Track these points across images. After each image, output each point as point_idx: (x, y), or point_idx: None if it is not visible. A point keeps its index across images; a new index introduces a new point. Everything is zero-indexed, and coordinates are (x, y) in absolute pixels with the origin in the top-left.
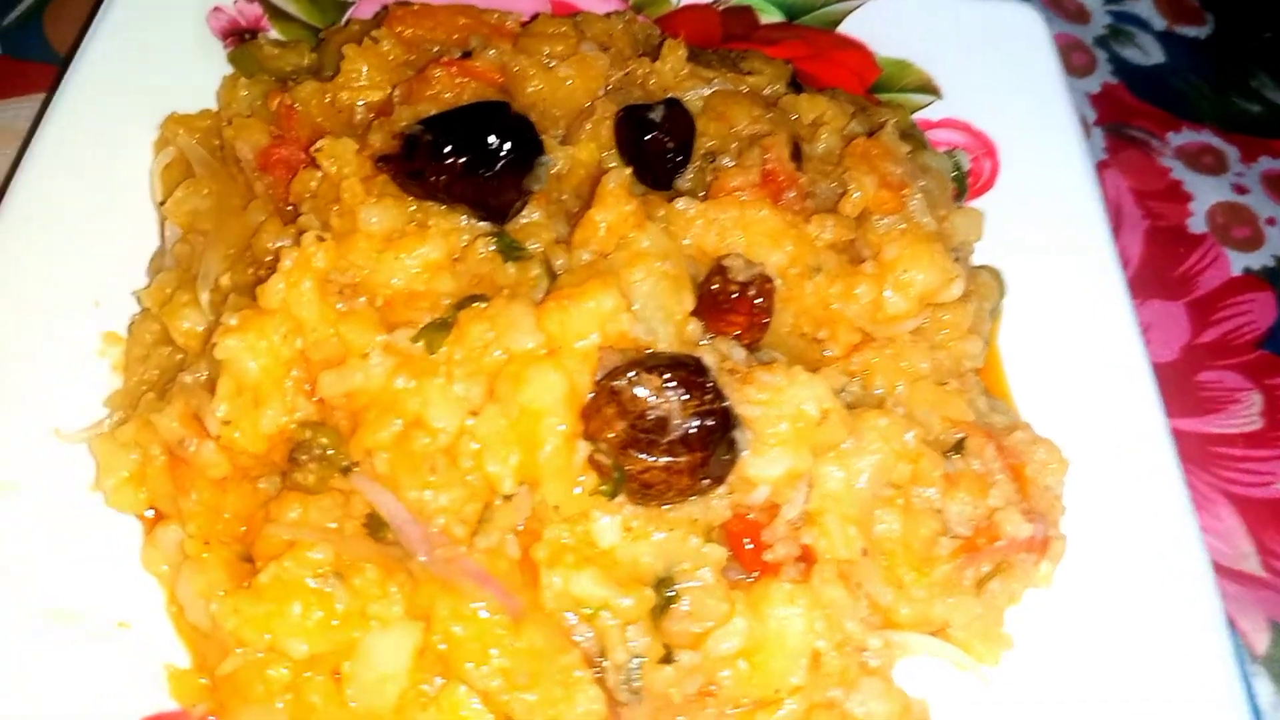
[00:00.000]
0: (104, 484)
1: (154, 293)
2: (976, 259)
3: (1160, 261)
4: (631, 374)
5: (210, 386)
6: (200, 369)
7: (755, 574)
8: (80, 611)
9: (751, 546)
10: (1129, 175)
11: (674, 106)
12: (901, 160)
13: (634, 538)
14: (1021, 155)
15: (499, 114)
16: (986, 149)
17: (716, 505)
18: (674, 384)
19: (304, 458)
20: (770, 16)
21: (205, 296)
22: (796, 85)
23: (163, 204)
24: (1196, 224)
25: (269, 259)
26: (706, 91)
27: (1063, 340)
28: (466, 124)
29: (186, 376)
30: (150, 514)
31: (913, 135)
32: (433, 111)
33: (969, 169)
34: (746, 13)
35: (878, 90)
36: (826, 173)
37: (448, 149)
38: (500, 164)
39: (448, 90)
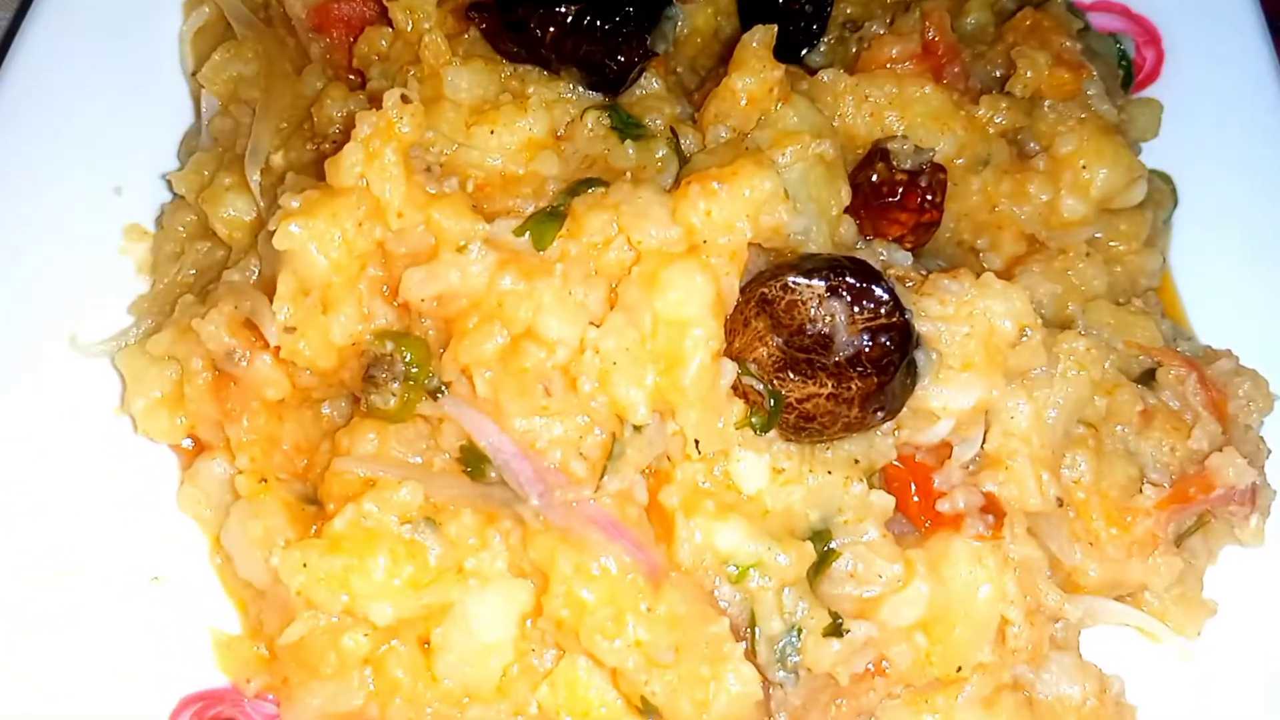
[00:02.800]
0: (132, 405)
1: (188, 176)
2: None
3: None
4: (789, 278)
5: (265, 286)
6: (250, 265)
7: (925, 526)
8: (103, 565)
9: (918, 498)
10: None
11: None
12: (1075, 35)
13: (784, 481)
14: (1190, 45)
15: None
16: (1149, 36)
17: (881, 444)
18: (840, 290)
19: (382, 376)
20: None
21: (255, 178)
22: None
23: (196, 73)
24: None
25: (334, 130)
26: None
27: (1242, 260)
28: None
29: (234, 274)
30: (188, 444)
31: (1073, 14)
32: None
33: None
34: None
35: None
36: (980, 53)
37: None
38: (624, 15)
39: None
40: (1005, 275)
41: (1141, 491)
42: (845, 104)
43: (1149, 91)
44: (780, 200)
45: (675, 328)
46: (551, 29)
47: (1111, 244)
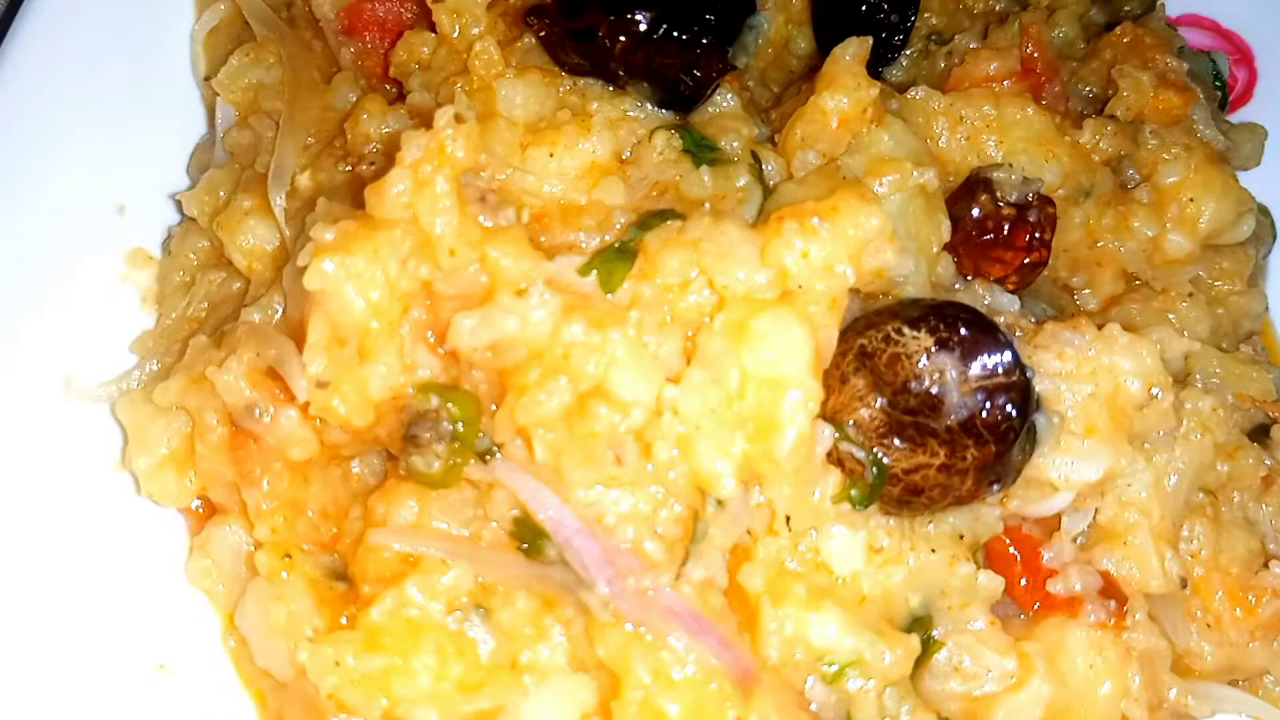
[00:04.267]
0: (135, 463)
1: (201, 196)
2: None
3: None
4: (891, 328)
5: (291, 328)
6: (273, 303)
7: (1033, 609)
8: (100, 651)
9: (1026, 576)
10: None
11: None
12: (1178, 54)
13: (883, 562)
14: None
15: None
16: (1241, 54)
17: (988, 515)
18: (951, 343)
19: (426, 435)
20: None
21: (280, 201)
22: None
23: (209, 79)
24: None
25: (371, 150)
26: None
27: None
28: None
29: (254, 313)
30: (197, 504)
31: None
32: None
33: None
34: None
35: None
36: (1071, 69)
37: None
38: (704, 24)
39: None
40: (1102, 315)
41: (1266, 567)
42: (938, 125)
43: (1242, 113)
44: (886, 240)
45: (768, 388)
46: (622, 39)
47: (1215, 283)
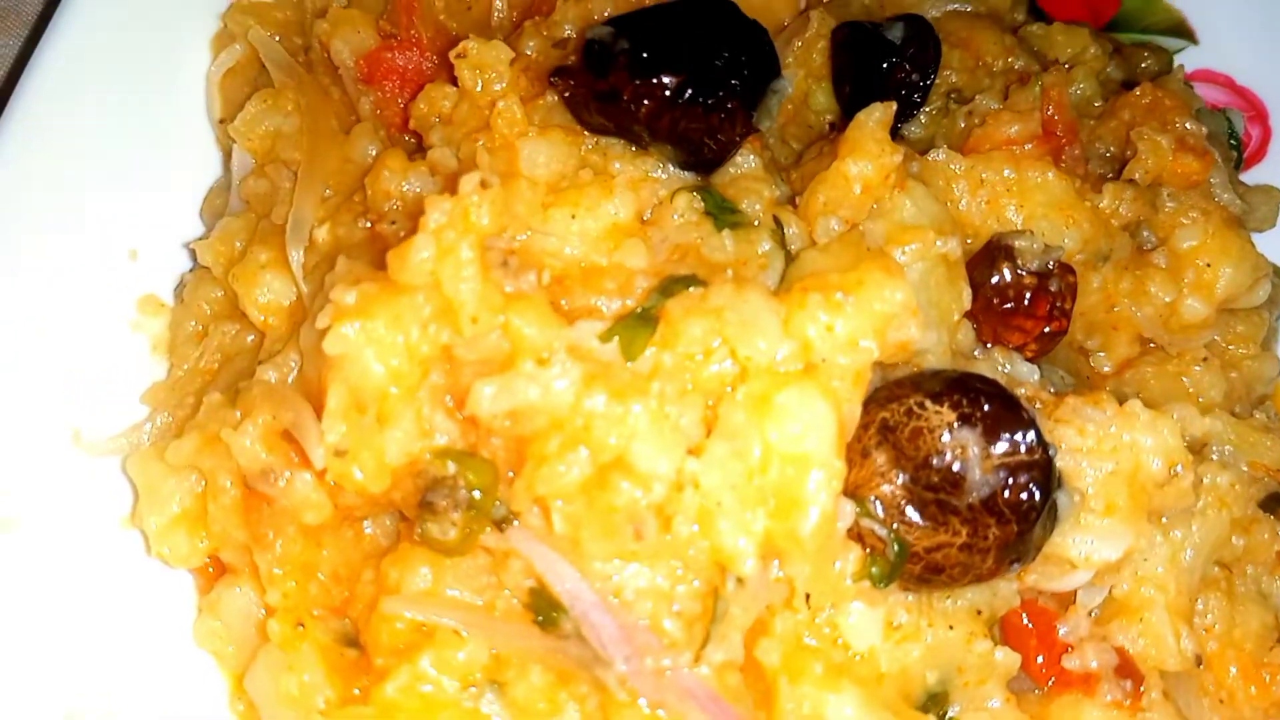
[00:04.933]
0: (146, 522)
1: (215, 245)
2: None
3: None
4: (913, 402)
5: (307, 388)
6: (289, 360)
7: (1048, 685)
8: (105, 707)
9: (1041, 652)
10: None
11: (917, 26)
12: (1196, 117)
13: (900, 639)
14: None
15: (726, 14)
16: (1256, 111)
17: (1005, 590)
18: (974, 419)
19: (442, 503)
20: None
21: (297, 256)
22: (1038, 11)
23: (224, 122)
24: None
25: (392, 207)
26: (934, 12)
27: None
28: (682, 29)
29: (269, 372)
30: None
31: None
32: (611, 11)
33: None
34: None
35: (1116, 28)
36: (1088, 127)
37: (659, 64)
38: (729, 89)
39: None
40: (1116, 379)
41: None
42: (958, 187)
43: (1256, 171)
44: (911, 314)
45: (791, 464)
46: (647, 102)
47: (1229, 347)
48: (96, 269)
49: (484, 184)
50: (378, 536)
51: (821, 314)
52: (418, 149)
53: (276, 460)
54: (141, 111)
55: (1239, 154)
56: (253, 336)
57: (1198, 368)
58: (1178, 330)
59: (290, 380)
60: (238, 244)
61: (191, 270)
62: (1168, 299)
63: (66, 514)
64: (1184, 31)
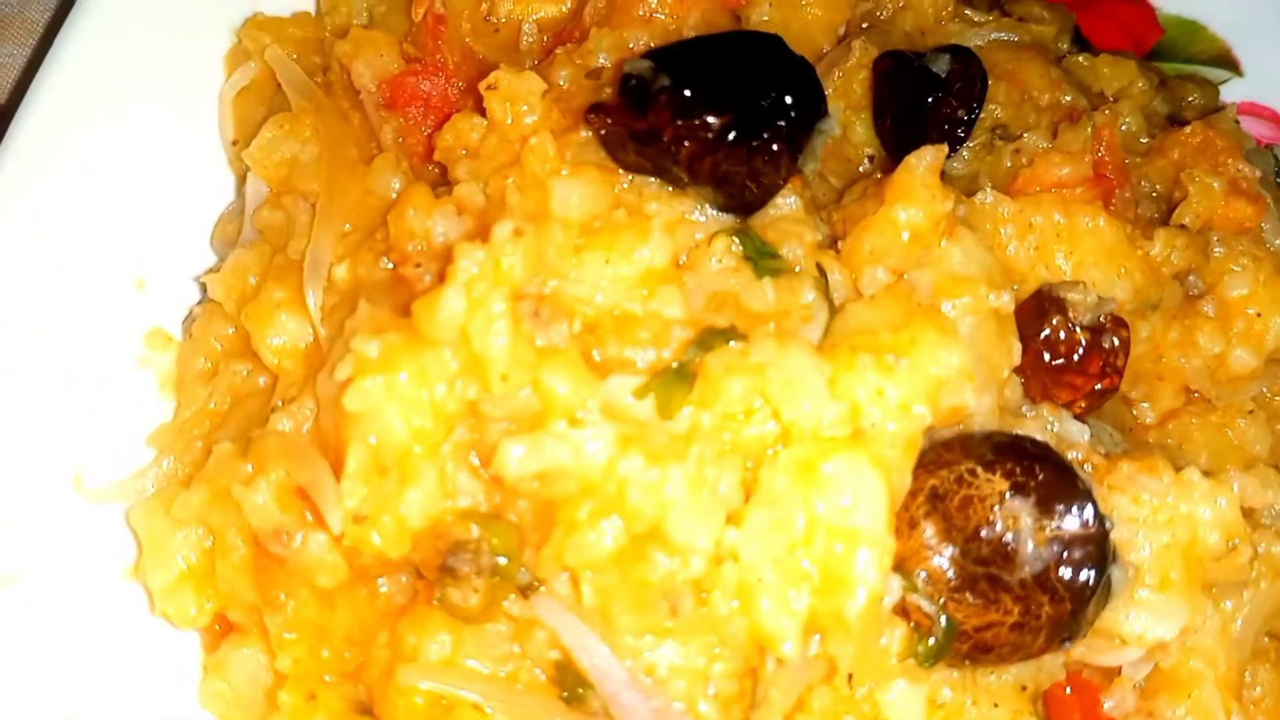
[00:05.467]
0: (150, 578)
1: (227, 279)
2: None
3: None
4: (965, 469)
5: (323, 439)
6: (305, 408)
7: None
8: None
9: None
10: None
11: (965, 59)
12: (1248, 159)
13: (944, 716)
14: None
15: (771, 49)
16: None
17: (1051, 663)
18: (1027, 489)
19: (465, 569)
20: None
21: (314, 297)
22: (1083, 40)
23: (238, 144)
24: None
25: (416, 248)
26: (978, 40)
27: None
28: (725, 65)
29: (283, 421)
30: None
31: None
32: (648, 40)
33: None
34: None
35: (1157, 57)
36: (1135, 165)
37: (702, 103)
38: (775, 130)
39: (664, 8)
40: (1159, 429)
41: None
42: (1006, 231)
43: None
44: (967, 379)
45: (839, 539)
46: (688, 144)
47: (1275, 399)
48: (101, 300)
49: (518, 232)
50: (393, 595)
51: (871, 376)
52: (442, 180)
53: (290, 520)
54: (150, 132)
55: None
56: (265, 378)
57: (1243, 421)
58: (1225, 382)
59: (305, 429)
60: (251, 279)
61: (201, 303)
62: (1216, 349)
63: (68, 566)
64: (1228, 62)
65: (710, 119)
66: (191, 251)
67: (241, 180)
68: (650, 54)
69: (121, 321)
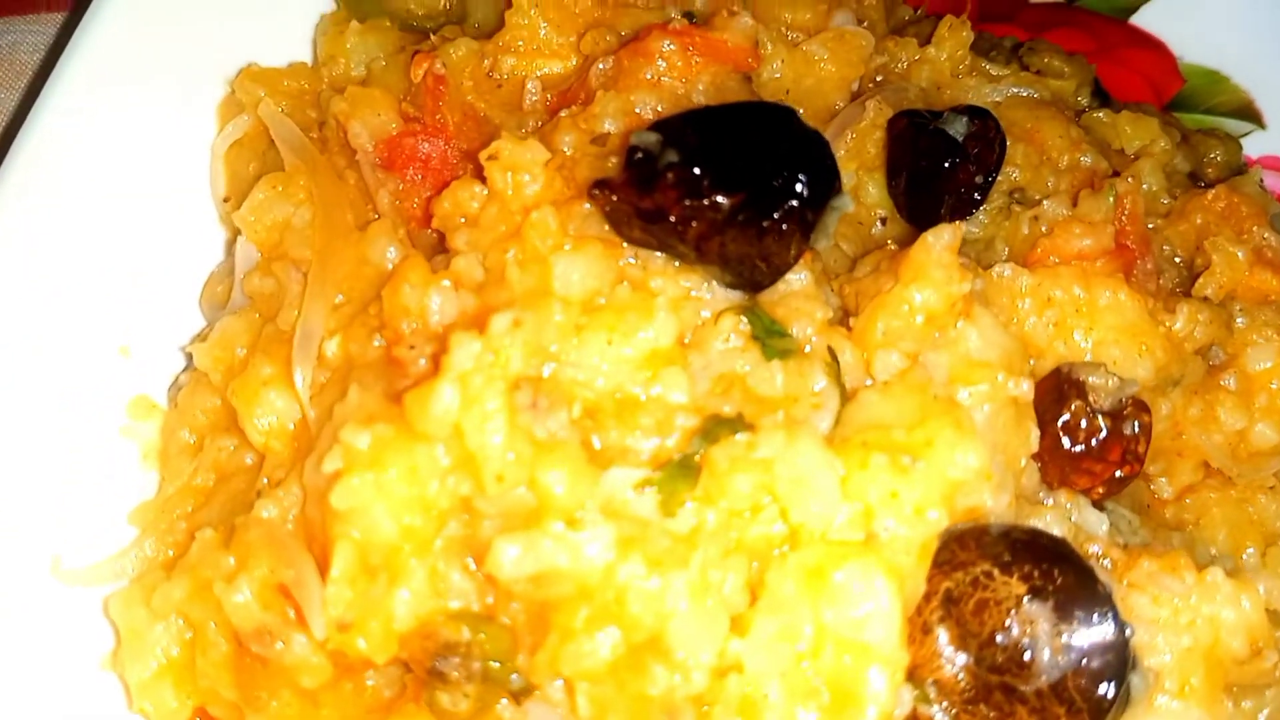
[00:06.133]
0: (128, 671)
1: (214, 350)
2: None
3: None
4: (980, 571)
5: (309, 532)
6: (290, 494)
7: None
8: None
9: None
10: None
11: (983, 120)
12: (1274, 225)
13: None
14: None
15: (783, 123)
16: None
17: None
18: (1045, 594)
19: (455, 673)
20: None
21: (302, 374)
22: (1103, 93)
23: (228, 199)
24: None
25: (410, 328)
26: (996, 96)
27: None
28: (735, 140)
29: (269, 509)
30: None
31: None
32: (656, 105)
33: None
34: None
35: (1178, 107)
36: (1157, 227)
37: (711, 182)
38: (788, 210)
39: (673, 71)
40: (1176, 504)
41: None
42: (1023, 305)
43: None
44: (985, 480)
45: (849, 653)
46: (696, 224)
47: None
48: (84, 367)
49: (516, 323)
50: (381, 688)
51: (885, 477)
52: (440, 245)
53: (273, 619)
54: (138, 186)
55: None
56: (251, 456)
57: (1263, 497)
58: (1246, 459)
59: (291, 517)
60: (239, 350)
61: (186, 370)
62: (1238, 425)
63: (44, 654)
64: (1251, 114)
65: (720, 199)
66: (178, 314)
67: (232, 239)
68: (657, 125)
69: (105, 391)
